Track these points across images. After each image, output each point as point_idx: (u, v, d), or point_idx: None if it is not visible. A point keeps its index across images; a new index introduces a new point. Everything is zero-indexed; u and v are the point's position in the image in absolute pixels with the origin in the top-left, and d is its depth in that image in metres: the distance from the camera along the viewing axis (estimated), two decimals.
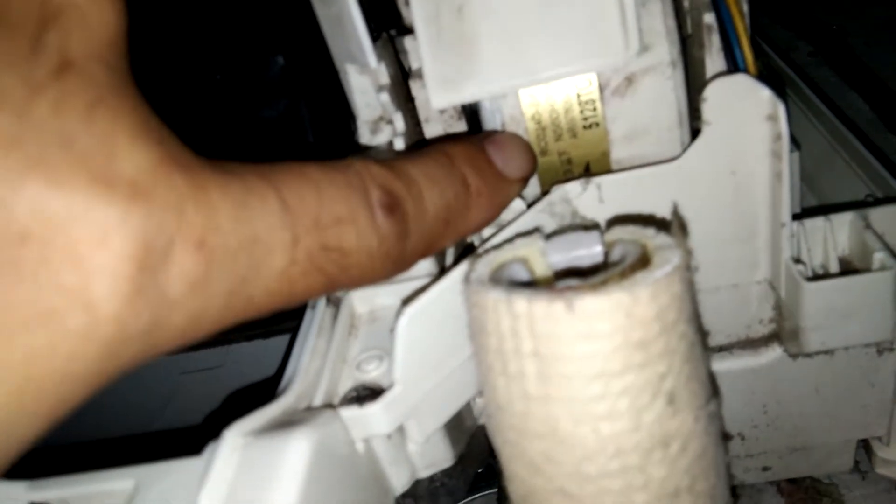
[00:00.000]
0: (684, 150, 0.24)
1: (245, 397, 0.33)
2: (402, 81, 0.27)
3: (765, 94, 0.22)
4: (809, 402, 0.28)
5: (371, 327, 0.25)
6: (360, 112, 0.27)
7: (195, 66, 0.40)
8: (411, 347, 0.21)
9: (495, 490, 0.33)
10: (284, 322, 0.34)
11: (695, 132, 0.24)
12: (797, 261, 0.24)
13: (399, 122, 0.26)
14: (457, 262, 0.22)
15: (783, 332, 0.27)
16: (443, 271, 0.24)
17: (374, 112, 0.27)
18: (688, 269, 0.18)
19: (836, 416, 0.28)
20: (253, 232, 0.15)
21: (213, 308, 0.15)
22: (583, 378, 0.16)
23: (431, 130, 0.27)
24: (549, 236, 0.21)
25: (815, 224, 0.26)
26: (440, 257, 0.25)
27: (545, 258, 0.21)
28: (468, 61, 0.24)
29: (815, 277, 0.24)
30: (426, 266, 0.24)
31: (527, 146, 0.25)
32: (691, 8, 0.26)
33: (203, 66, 0.40)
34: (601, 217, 0.25)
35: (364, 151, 0.27)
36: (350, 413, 0.20)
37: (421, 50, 0.24)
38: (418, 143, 0.27)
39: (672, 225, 0.19)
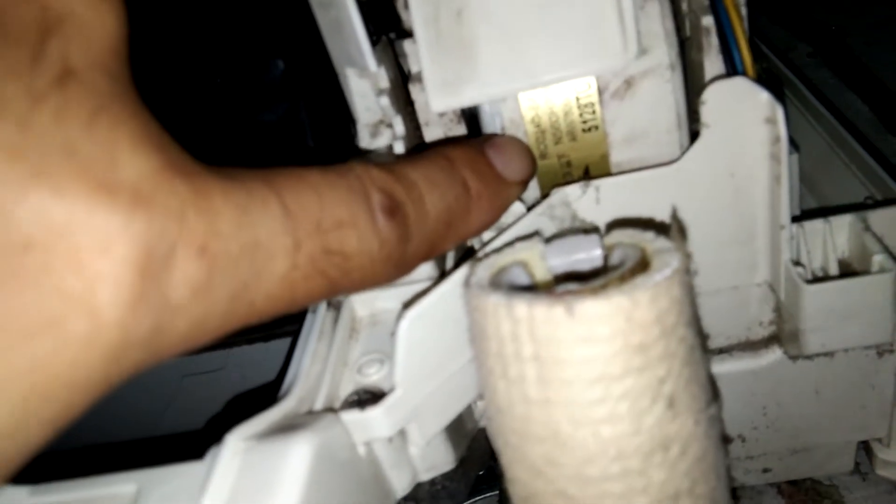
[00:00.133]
0: (683, 152, 0.24)
1: (246, 401, 0.33)
2: (401, 85, 0.27)
3: (763, 96, 0.22)
4: (809, 403, 0.28)
5: (372, 331, 0.25)
6: (360, 116, 0.27)
7: (195, 69, 0.40)
8: (412, 351, 0.21)
9: (496, 493, 0.33)
10: (285, 325, 0.34)
11: (693, 135, 0.24)
12: (797, 263, 0.24)
13: (399, 126, 0.26)
14: (457, 265, 0.22)
15: (783, 334, 0.27)
16: (443, 275, 0.25)
17: (374, 116, 0.27)
18: (687, 272, 0.18)
19: (836, 418, 0.28)
20: (255, 237, 0.15)
21: (216, 313, 0.15)
22: (583, 382, 0.16)
23: (431, 134, 0.27)
24: (548, 240, 0.21)
25: (815, 226, 0.26)
26: (440, 261, 0.25)
27: (545, 262, 0.21)
28: (467, 65, 0.24)
29: (815, 280, 0.24)
30: (426, 269, 0.24)
31: (526, 149, 0.25)
32: (689, 11, 0.26)
33: (203, 70, 0.40)
34: (601, 220, 0.25)
35: (364, 155, 0.27)
36: (351, 417, 0.20)
37: (420, 54, 0.24)
38: (418, 147, 0.27)
39: (671, 228, 0.19)
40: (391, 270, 0.19)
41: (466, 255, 0.26)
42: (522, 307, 0.17)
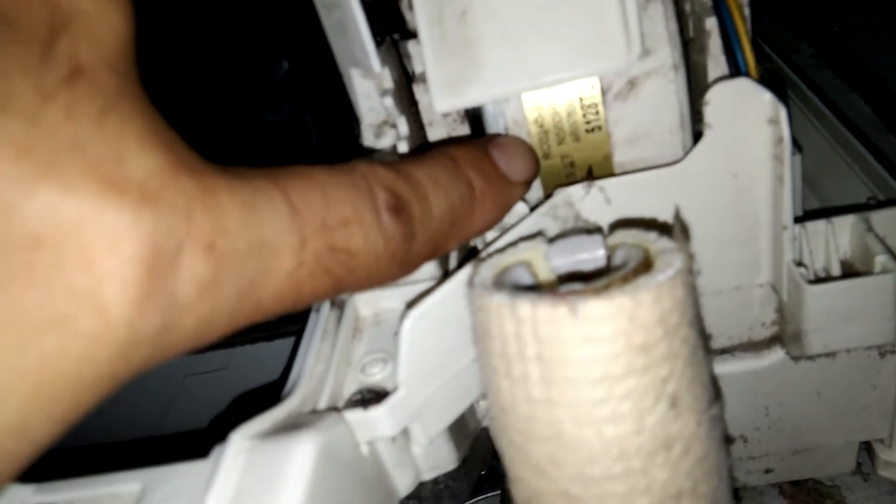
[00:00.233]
0: (686, 153, 0.24)
1: (250, 400, 0.33)
2: (405, 85, 0.27)
3: (766, 97, 0.23)
4: (811, 404, 0.28)
5: (375, 330, 0.25)
6: (364, 116, 0.27)
7: (200, 70, 0.40)
8: (415, 350, 0.21)
9: (498, 492, 0.33)
10: (289, 325, 0.34)
11: (697, 135, 0.24)
12: (799, 264, 0.24)
13: (403, 126, 0.26)
14: (460, 265, 0.22)
15: (785, 334, 0.27)
16: (446, 274, 0.25)
17: (378, 116, 0.27)
18: (690, 272, 0.18)
19: (838, 419, 0.28)
20: (261, 234, 0.15)
21: (223, 311, 0.15)
22: (586, 381, 0.17)
23: (435, 134, 0.27)
24: (552, 240, 0.21)
25: (817, 227, 0.26)
26: (444, 260, 0.25)
27: (548, 262, 0.21)
28: (471, 65, 0.24)
29: (817, 280, 0.24)
30: (430, 269, 0.25)
31: (530, 149, 0.25)
32: (693, 12, 0.26)
33: (208, 71, 0.40)
34: (604, 220, 0.25)
35: (368, 155, 0.27)
36: (355, 416, 0.20)
37: (424, 54, 0.24)
38: (422, 147, 0.27)
39: (674, 229, 0.19)
40: (396, 269, 0.19)
41: (470, 254, 0.26)
42: (526, 307, 0.17)
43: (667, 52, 0.24)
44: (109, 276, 0.12)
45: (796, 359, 0.27)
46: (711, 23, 0.25)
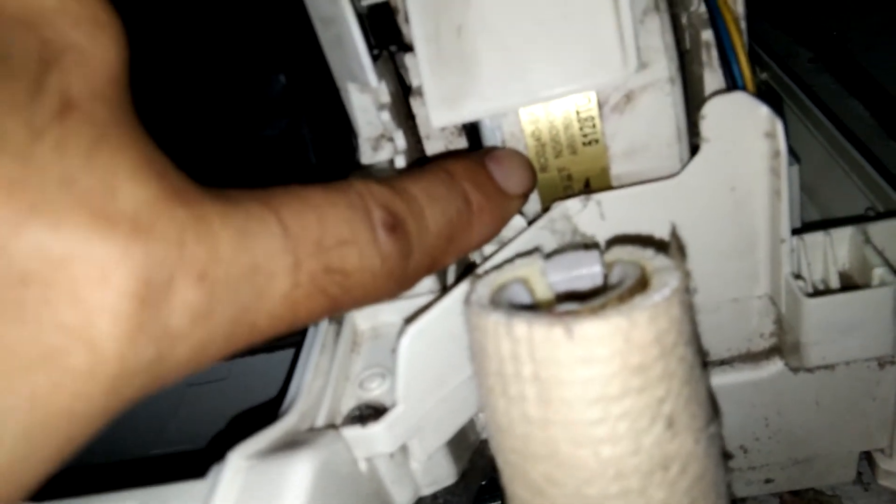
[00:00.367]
0: (683, 166, 0.24)
1: (250, 415, 0.33)
2: (402, 99, 0.27)
3: (763, 111, 0.23)
4: (811, 414, 0.28)
5: (374, 344, 0.25)
6: (362, 130, 0.27)
7: (197, 85, 0.40)
8: (414, 366, 0.21)
9: (498, 503, 0.33)
10: (288, 336, 0.34)
11: (693, 148, 0.24)
12: (797, 276, 0.24)
13: (400, 140, 0.26)
14: (458, 279, 0.22)
15: (784, 346, 0.27)
16: (445, 289, 0.25)
17: (376, 130, 0.27)
18: (686, 291, 0.18)
19: (837, 429, 0.28)
20: (254, 259, 0.15)
21: (218, 337, 0.15)
22: (582, 402, 0.17)
23: (432, 147, 0.27)
24: (548, 255, 0.21)
25: (815, 239, 0.26)
26: (442, 275, 0.25)
27: (545, 278, 0.21)
28: (468, 80, 0.24)
29: (816, 293, 0.24)
30: (428, 283, 0.25)
31: (527, 162, 0.25)
32: (689, 25, 0.26)
33: (205, 85, 0.40)
34: (601, 233, 0.25)
35: (365, 169, 0.27)
36: (353, 433, 0.20)
37: (421, 69, 0.24)
38: (419, 160, 0.27)
39: (670, 246, 0.19)
40: (393, 286, 0.19)
41: (468, 269, 0.26)
42: (522, 327, 0.17)
43: (663, 65, 0.24)
44: (100, 311, 0.12)
45: (795, 370, 0.27)
46: (708, 35, 0.25)
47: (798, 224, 0.31)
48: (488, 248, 0.25)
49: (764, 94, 0.24)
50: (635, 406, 0.16)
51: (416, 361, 0.21)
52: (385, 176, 0.20)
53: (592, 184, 0.26)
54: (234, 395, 0.35)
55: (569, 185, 0.26)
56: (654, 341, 0.16)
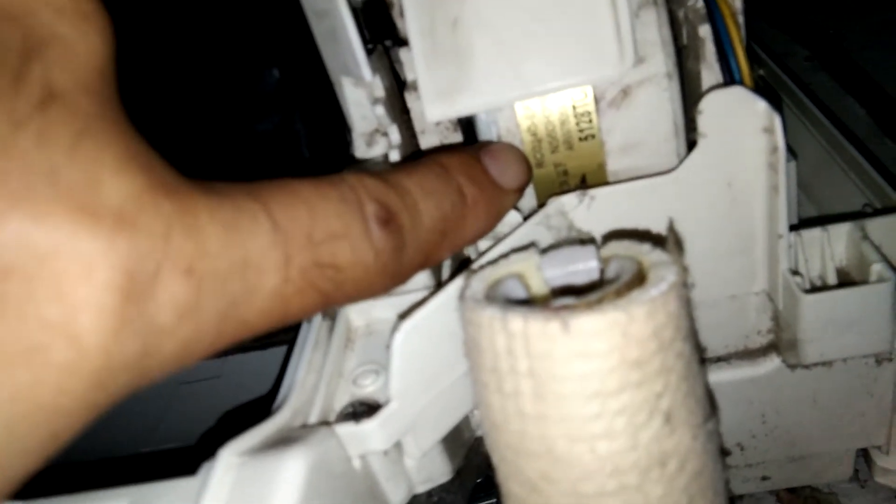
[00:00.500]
0: (680, 161, 0.24)
1: (241, 413, 0.33)
2: (397, 93, 0.27)
3: (761, 106, 0.22)
4: (808, 412, 0.28)
5: (367, 341, 0.25)
6: (356, 124, 0.27)
7: (190, 79, 0.40)
8: (408, 363, 0.21)
9: (494, 501, 0.33)
10: (282, 333, 0.34)
11: (691, 144, 0.24)
12: (795, 272, 0.24)
13: (394, 135, 0.26)
14: (453, 276, 0.22)
15: (781, 342, 0.26)
16: (439, 284, 0.24)
17: (370, 124, 0.27)
18: (684, 286, 0.18)
19: (834, 426, 0.28)
20: (243, 254, 0.15)
21: (206, 333, 0.14)
22: (579, 397, 0.16)
23: (427, 142, 0.27)
24: (544, 251, 0.21)
25: (813, 235, 0.25)
26: (436, 270, 0.25)
27: (541, 273, 0.20)
28: (463, 74, 0.24)
29: (813, 289, 0.24)
30: (423, 279, 0.24)
31: (522, 156, 0.24)
32: (686, 19, 0.26)
33: (198, 80, 0.40)
34: (598, 229, 0.25)
35: (359, 164, 0.27)
36: (346, 430, 0.20)
37: (416, 63, 0.24)
38: (414, 155, 0.27)
39: (668, 241, 0.19)
40: (387, 281, 0.19)
41: (462, 265, 0.26)
42: (518, 322, 0.17)
43: (660, 60, 0.24)
44: (83, 305, 0.12)
45: (792, 367, 0.27)
46: (705, 30, 0.25)
47: (795, 220, 0.31)
48: (483, 244, 0.24)
49: (761, 89, 0.23)
50: (633, 401, 0.16)
51: (410, 358, 0.21)
52: (379, 170, 0.20)
53: (589, 179, 0.26)
54: (226, 393, 0.35)
55: (565, 181, 0.26)
56: (651, 336, 0.16)
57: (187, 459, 0.19)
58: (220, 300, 0.14)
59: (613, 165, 0.25)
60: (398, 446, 0.22)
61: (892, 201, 0.28)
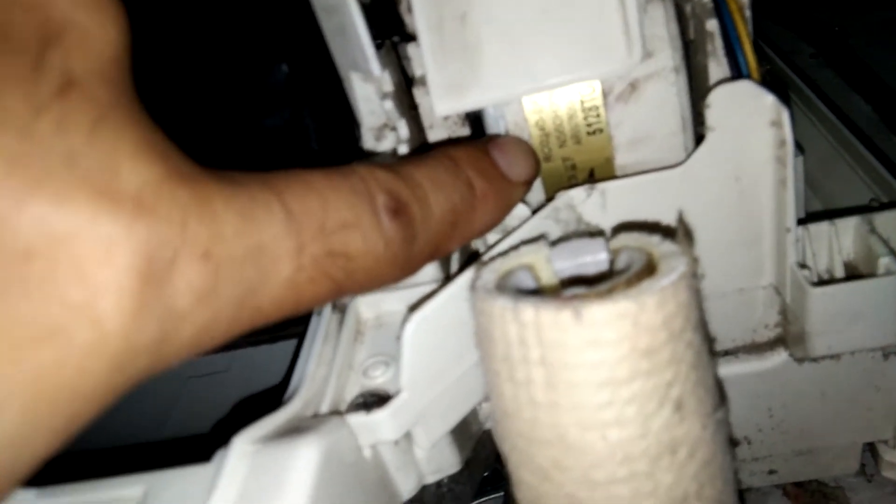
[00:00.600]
0: (688, 155, 0.24)
1: (253, 403, 0.33)
2: (405, 88, 0.27)
3: (768, 99, 0.22)
4: (815, 405, 0.28)
5: (377, 333, 0.25)
6: (365, 119, 0.27)
7: (200, 74, 0.40)
8: (418, 354, 0.21)
9: (502, 494, 0.33)
10: (290, 327, 0.34)
11: (699, 138, 0.24)
12: (802, 266, 0.24)
13: (403, 129, 0.26)
14: (462, 268, 0.22)
15: (789, 336, 0.27)
16: (448, 277, 0.25)
17: (378, 119, 0.27)
18: (694, 276, 0.18)
19: (841, 420, 0.28)
20: (258, 241, 0.15)
21: (222, 318, 0.15)
22: (590, 385, 0.17)
23: (435, 136, 0.27)
24: (554, 243, 0.21)
25: (820, 229, 0.26)
26: (445, 263, 0.25)
27: (551, 265, 0.21)
28: (471, 69, 0.24)
29: (821, 282, 0.24)
30: (432, 272, 0.25)
31: (530, 149, 0.25)
32: (693, 14, 0.26)
33: (208, 75, 0.40)
34: (606, 223, 0.25)
35: (369, 157, 0.27)
36: (357, 420, 0.20)
37: (424, 58, 0.24)
38: (422, 149, 0.27)
39: (677, 232, 0.19)
40: (396, 271, 0.19)
41: (471, 258, 0.26)
42: (529, 311, 0.17)
43: (668, 55, 0.24)
44: (104, 288, 0.12)
45: (800, 360, 0.27)
46: (712, 24, 0.25)
47: (802, 214, 0.31)
48: (492, 237, 0.25)
49: (769, 83, 0.24)
50: (643, 389, 0.16)
51: (419, 349, 0.21)
52: (388, 162, 0.20)
53: (597, 173, 0.26)
54: (236, 386, 0.35)
55: (573, 175, 0.26)
56: (662, 325, 0.16)
57: (200, 448, 0.19)
58: (235, 286, 0.15)
59: (621, 160, 0.25)
60: (408, 437, 0.22)
61: None
